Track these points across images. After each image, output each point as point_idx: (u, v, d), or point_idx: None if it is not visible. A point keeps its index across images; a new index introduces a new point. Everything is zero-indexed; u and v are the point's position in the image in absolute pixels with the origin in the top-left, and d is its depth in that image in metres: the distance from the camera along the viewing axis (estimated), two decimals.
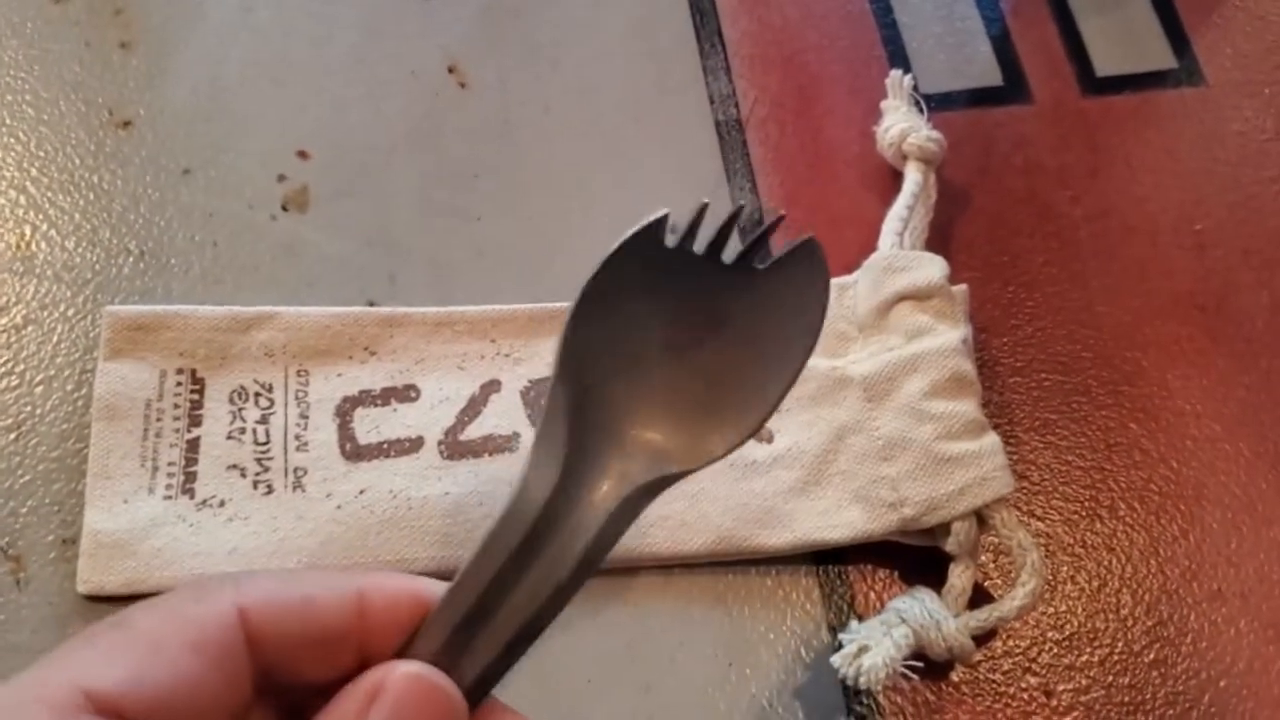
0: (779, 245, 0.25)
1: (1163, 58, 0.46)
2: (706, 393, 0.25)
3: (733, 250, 0.25)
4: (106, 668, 0.19)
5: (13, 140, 0.41)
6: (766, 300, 0.25)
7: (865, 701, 0.35)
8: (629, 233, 0.24)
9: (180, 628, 0.20)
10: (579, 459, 0.24)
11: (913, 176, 0.40)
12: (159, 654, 0.20)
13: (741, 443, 0.25)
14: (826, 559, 0.36)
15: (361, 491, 0.35)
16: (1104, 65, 0.45)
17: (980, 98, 0.45)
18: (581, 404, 0.24)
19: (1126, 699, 0.35)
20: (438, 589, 0.23)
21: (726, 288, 0.25)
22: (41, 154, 0.40)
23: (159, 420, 0.36)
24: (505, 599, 0.22)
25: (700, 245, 0.25)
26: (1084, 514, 0.38)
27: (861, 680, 0.33)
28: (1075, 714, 0.35)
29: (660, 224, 0.25)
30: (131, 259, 0.39)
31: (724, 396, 0.25)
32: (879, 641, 0.33)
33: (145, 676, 0.19)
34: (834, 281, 0.39)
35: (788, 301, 0.25)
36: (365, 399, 0.36)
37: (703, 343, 0.25)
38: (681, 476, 0.25)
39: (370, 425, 0.36)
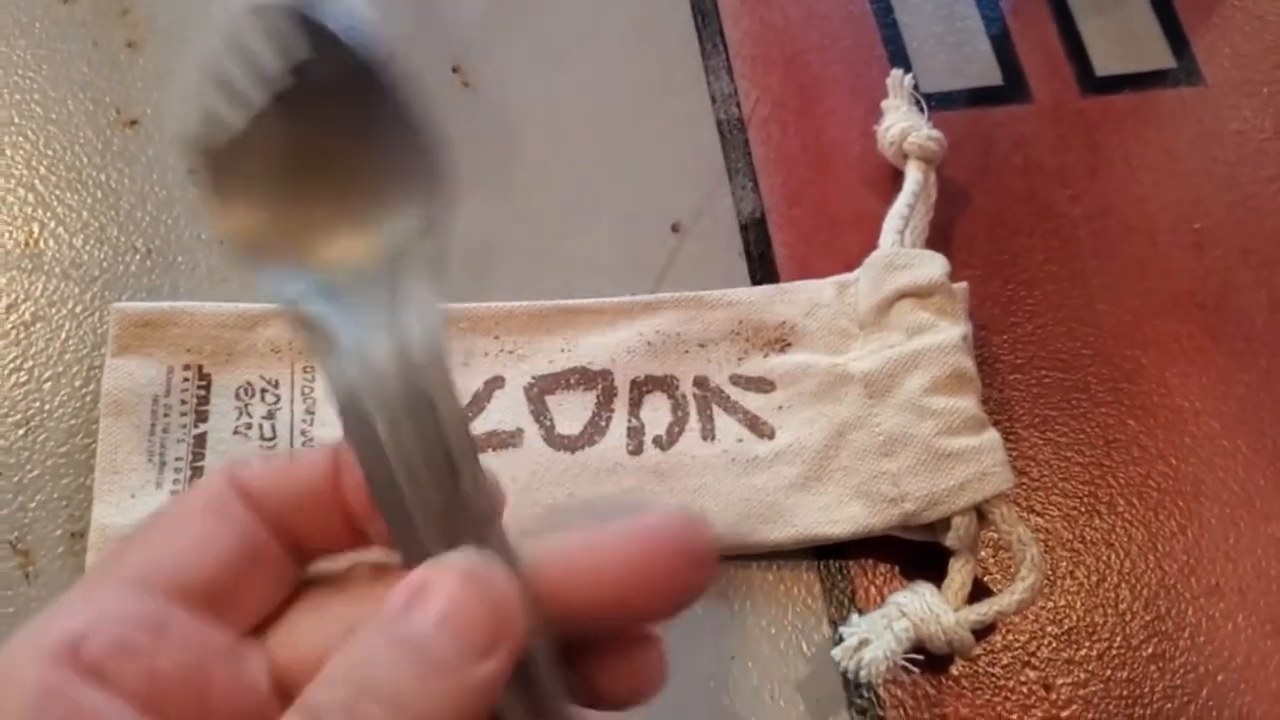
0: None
1: (1162, 57, 0.46)
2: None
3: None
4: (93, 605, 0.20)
5: (21, 139, 0.41)
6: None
7: (866, 694, 0.35)
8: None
9: (174, 514, 0.21)
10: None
11: (913, 175, 0.40)
12: (157, 544, 0.21)
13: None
14: (828, 554, 0.37)
15: None
16: (1103, 65, 0.46)
17: (980, 97, 0.45)
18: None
19: (1125, 693, 0.35)
20: None
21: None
22: (50, 152, 0.41)
23: (166, 416, 0.36)
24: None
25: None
26: (1083, 510, 0.38)
27: (862, 673, 0.33)
28: (1074, 708, 0.35)
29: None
30: (139, 256, 0.39)
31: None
32: (880, 635, 0.33)
33: (161, 564, 0.20)
34: (835, 279, 0.39)
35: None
36: None
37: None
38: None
39: None
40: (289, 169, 0.21)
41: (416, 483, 0.20)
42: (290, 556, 0.22)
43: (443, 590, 0.19)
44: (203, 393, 0.36)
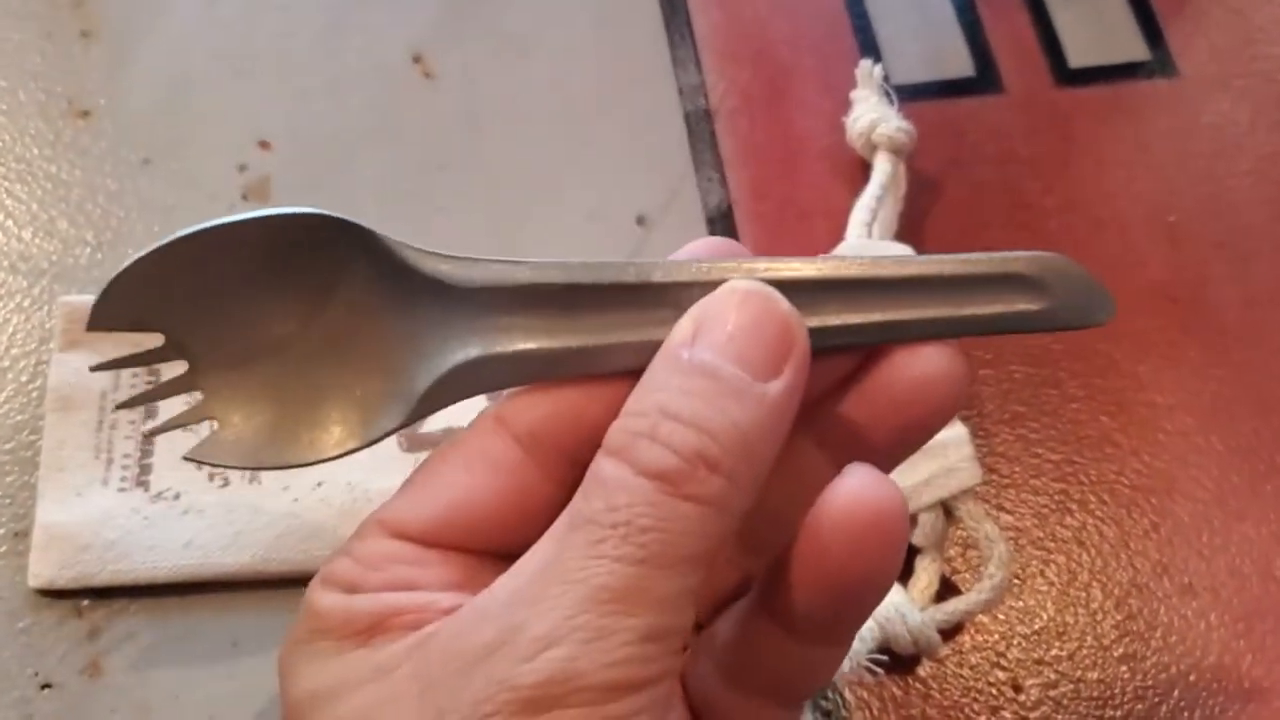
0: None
1: (1136, 49, 0.46)
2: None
3: None
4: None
5: None
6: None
7: (830, 696, 0.34)
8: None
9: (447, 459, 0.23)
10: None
11: (882, 166, 0.39)
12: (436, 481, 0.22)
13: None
14: None
15: (319, 484, 0.34)
16: (1077, 56, 0.45)
17: (952, 88, 0.44)
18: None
19: (1095, 693, 0.35)
20: None
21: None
22: None
23: (114, 412, 0.35)
24: None
25: None
26: (1054, 507, 0.37)
27: None
28: (1044, 709, 0.34)
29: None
30: (89, 250, 0.38)
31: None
32: None
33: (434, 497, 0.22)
34: None
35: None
36: None
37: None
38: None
39: None
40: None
41: None
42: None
43: (724, 314, 0.20)
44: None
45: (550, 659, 0.18)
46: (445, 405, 0.22)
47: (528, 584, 0.19)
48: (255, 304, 0.22)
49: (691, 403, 0.19)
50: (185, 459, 0.23)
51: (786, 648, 0.21)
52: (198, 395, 0.23)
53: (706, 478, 0.19)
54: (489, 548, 0.22)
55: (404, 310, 0.22)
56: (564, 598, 0.18)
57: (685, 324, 0.20)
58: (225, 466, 0.24)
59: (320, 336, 0.23)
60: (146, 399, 0.25)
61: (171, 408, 0.34)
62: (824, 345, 0.21)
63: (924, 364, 0.22)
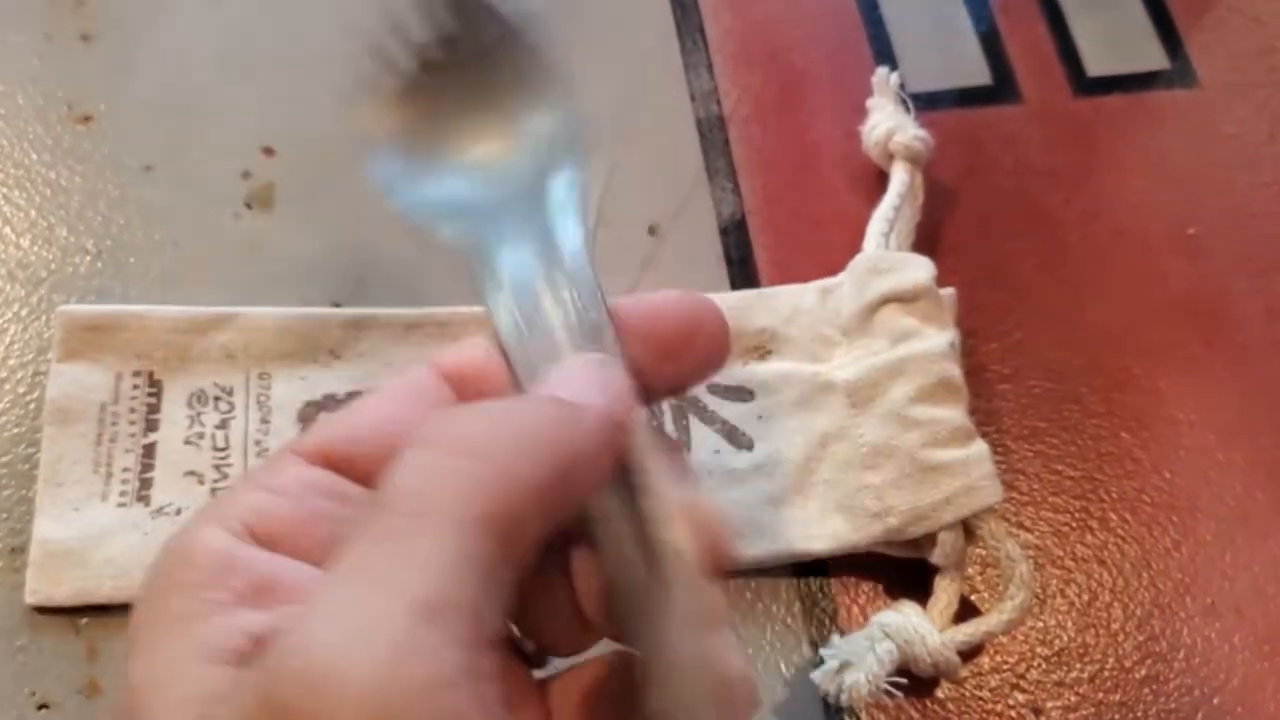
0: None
1: (1155, 58, 0.45)
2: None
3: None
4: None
5: None
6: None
7: (848, 719, 0.33)
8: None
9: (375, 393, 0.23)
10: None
11: (899, 176, 0.39)
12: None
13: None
14: (808, 571, 0.35)
15: None
16: (1095, 65, 0.44)
17: (969, 97, 0.44)
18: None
19: (1118, 716, 0.34)
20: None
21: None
22: None
23: (114, 424, 0.34)
24: None
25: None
26: (1074, 525, 0.37)
27: (844, 698, 0.31)
28: None
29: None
30: (89, 258, 0.38)
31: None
32: (862, 657, 0.32)
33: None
34: (819, 284, 0.38)
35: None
36: (329, 404, 0.35)
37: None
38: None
39: None
40: (439, 110, 0.24)
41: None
42: None
43: (563, 374, 0.22)
44: (153, 400, 0.35)
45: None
46: None
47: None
48: None
49: (505, 430, 0.20)
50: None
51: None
52: None
53: None
54: None
55: None
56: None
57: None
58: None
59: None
60: None
61: (173, 414, 0.34)
62: None
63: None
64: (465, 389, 0.23)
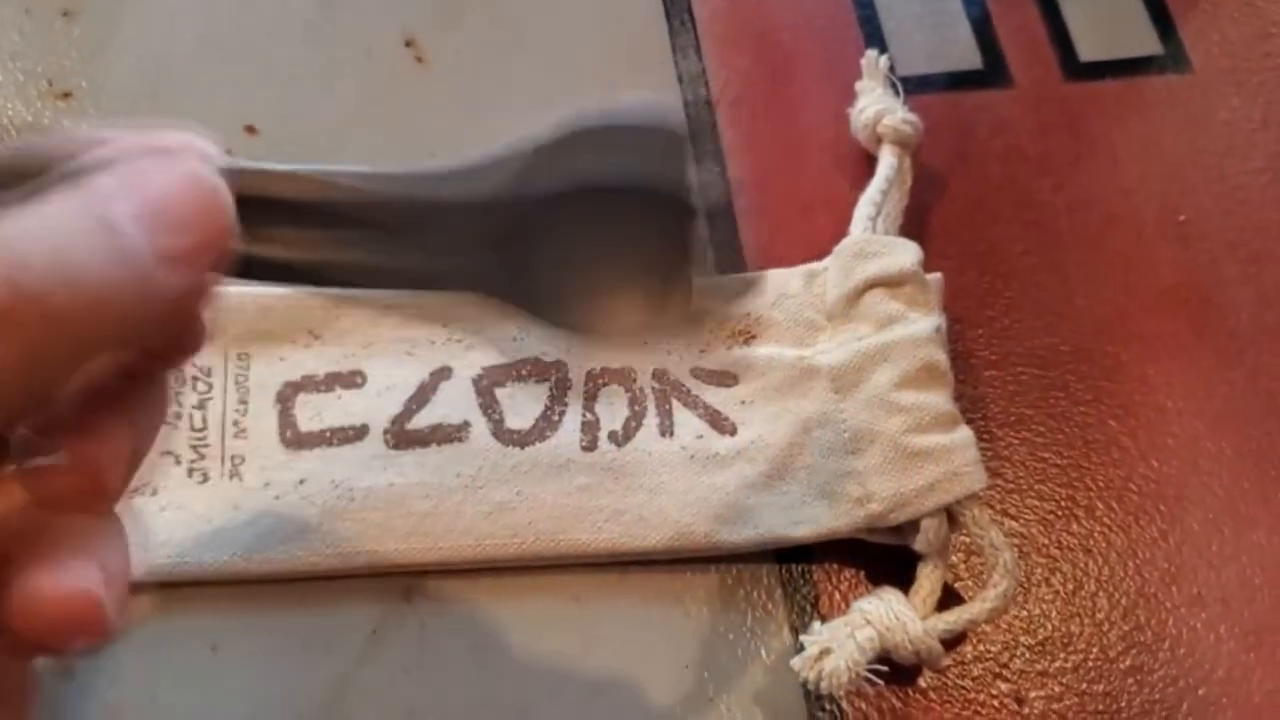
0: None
1: (1148, 43, 0.45)
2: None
3: None
4: None
5: None
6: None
7: (828, 707, 0.33)
8: None
9: None
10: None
11: (887, 160, 0.38)
12: None
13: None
14: (790, 557, 0.35)
15: (301, 481, 0.33)
16: (1087, 50, 0.44)
17: (959, 81, 0.43)
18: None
19: (1101, 706, 0.34)
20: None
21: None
22: None
23: None
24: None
25: None
26: (1060, 513, 0.36)
27: (823, 684, 0.31)
28: None
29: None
30: None
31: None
32: (842, 644, 0.31)
33: None
34: (804, 268, 0.37)
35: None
36: (308, 384, 0.35)
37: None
38: None
39: (312, 412, 0.34)
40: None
41: None
42: None
43: (157, 182, 0.19)
44: None
45: None
46: None
47: None
48: None
49: (78, 249, 0.18)
50: None
51: None
52: None
53: None
54: None
55: None
56: None
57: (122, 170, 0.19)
58: None
59: None
60: None
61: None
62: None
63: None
64: None
